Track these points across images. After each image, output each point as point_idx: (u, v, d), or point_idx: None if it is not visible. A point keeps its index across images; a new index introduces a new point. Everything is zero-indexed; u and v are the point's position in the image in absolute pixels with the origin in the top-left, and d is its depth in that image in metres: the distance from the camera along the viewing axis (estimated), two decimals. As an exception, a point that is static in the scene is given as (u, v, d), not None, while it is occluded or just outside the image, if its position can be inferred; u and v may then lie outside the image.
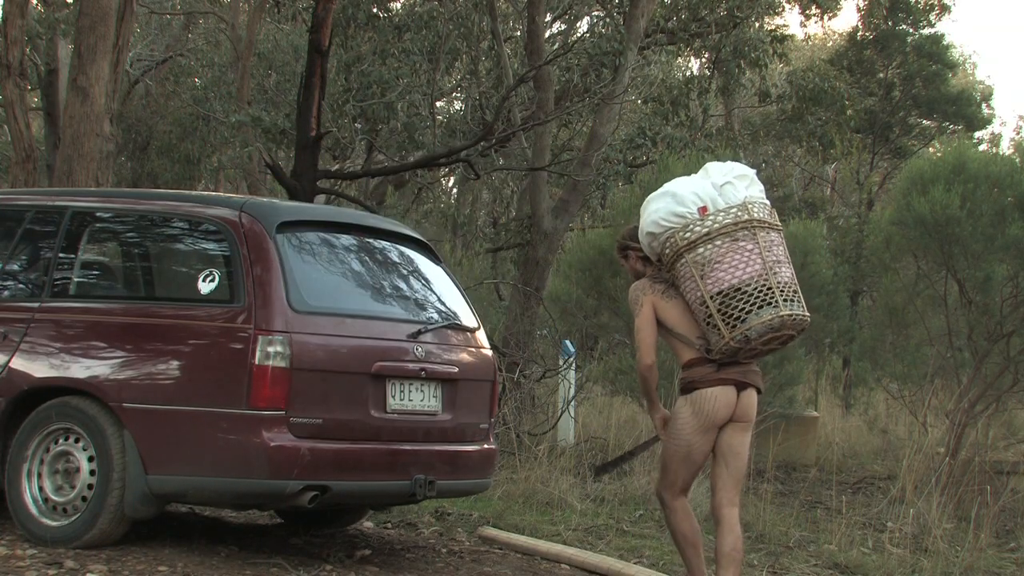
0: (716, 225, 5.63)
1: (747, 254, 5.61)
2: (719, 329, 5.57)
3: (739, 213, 5.66)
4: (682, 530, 5.79)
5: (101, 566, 5.47)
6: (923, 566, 7.75)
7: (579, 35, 20.31)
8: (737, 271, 5.58)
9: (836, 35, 31.71)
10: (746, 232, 5.64)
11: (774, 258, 5.66)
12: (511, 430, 10.26)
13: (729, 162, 6.00)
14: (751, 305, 5.55)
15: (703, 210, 5.65)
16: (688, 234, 5.63)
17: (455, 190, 27.88)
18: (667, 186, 5.86)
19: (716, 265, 5.59)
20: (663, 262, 5.77)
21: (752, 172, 5.92)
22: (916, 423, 11.34)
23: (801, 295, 5.76)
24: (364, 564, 6.23)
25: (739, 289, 5.56)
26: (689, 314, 5.70)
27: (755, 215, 5.67)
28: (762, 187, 5.90)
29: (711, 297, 5.56)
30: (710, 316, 5.58)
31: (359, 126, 15.89)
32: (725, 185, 5.75)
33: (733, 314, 5.55)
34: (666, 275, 5.79)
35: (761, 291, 5.57)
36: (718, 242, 5.61)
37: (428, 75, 17.10)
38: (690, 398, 5.68)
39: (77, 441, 5.87)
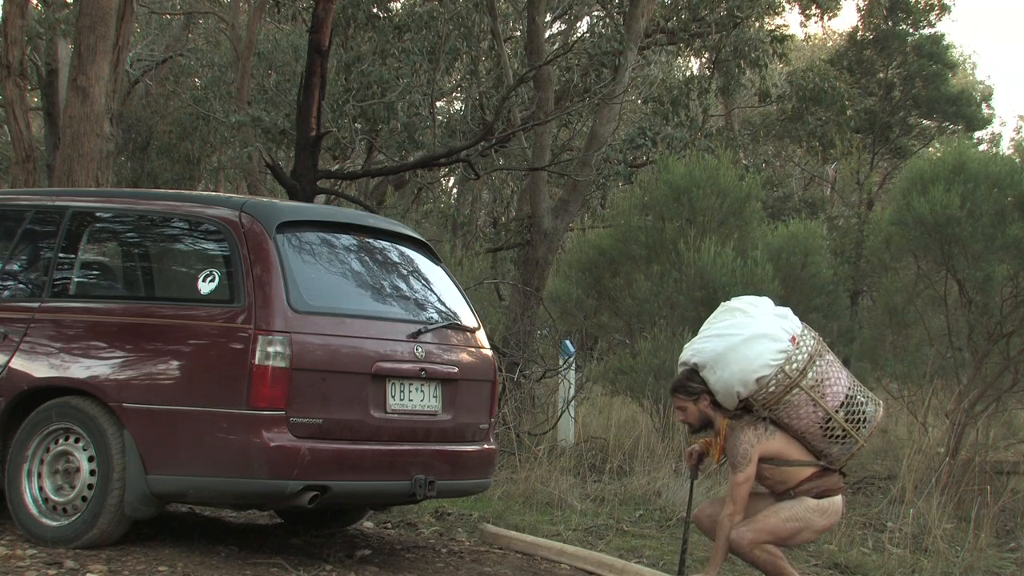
0: (809, 348, 5.87)
1: (835, 366, 5.94)
2: (851, 438, 5.85)
3: (808, 334, 5.97)
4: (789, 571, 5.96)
5: (101, 566, 5.46)
6: (923, 566, 7.75)
7: (579, 35, 20.32)
8: (840, 382, 5.88)
9: (836, 35, 31.71)
10: (821, 347, 5.95)
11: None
12: (511, 430, 10.26)
13: (742, 298, 6.23)
14: (862, 407, 5.87)
15: (794, 340, 5.88)
16: (795, 364, 5.80)
17: (455, 190, 27.88)
18: (743, 328, 5.90)
19: (826, 383, 5.84)
20: (761, 402, 5.82)
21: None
22: (916, 423, 11.34)
23: None
24: (364, 564, 6.23)
25: (849, 397, 5.87)
26: (793, 440, 5.88)
27: (814, 335, 6.00)
28: None
29: (836, 412, 5.81)
30: (834, 430, 5.82)
31: (359, 126, 15.89)
32: (786, 313, 6.06)
33: (858, 419, 5.86)
34: (764, 413, 5.85)
35: (859, 393, 5.92)
36: (817, 363, 5.85)
37: (428, 75, 17.10)
38: (822, 504, 5.87)
39: (77, 441, 5.87)
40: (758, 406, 5.84)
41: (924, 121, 22.91)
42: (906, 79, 21.81)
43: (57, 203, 6.52)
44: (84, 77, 9.44)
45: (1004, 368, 10.87)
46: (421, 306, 6.55)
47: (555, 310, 13.69)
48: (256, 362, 5.57)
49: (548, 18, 19.76)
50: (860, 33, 22.57)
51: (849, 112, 20.09)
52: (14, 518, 5.95)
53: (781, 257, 12.47)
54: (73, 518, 5.81)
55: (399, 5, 18.67)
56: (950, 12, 24.53)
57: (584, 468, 9.81)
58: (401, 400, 6.07)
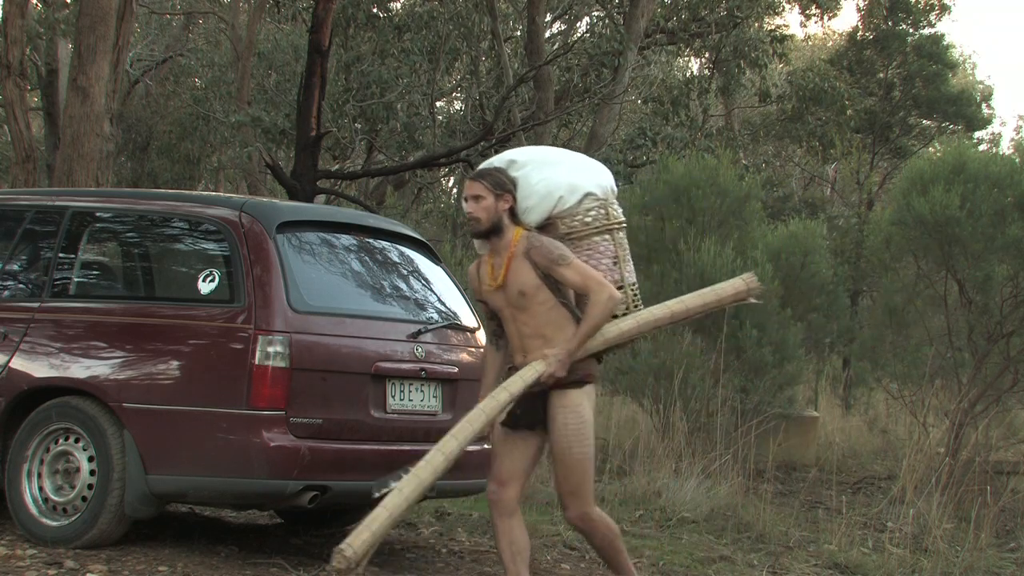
0: (623, 217, 5.40)
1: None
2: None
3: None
4: (615, 529, 5.27)
5: (101, 566, 5.46)
6: (923, 566, 7.75)
7: (579, 35, 20.32)
8: (632, 267, 5.39)
9: (836, 35, 31.71)
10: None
11: None
12: (511, 430, 10.24)
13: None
14: (639, 301, 5.35)
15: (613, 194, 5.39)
16: (615, 213, 5.28)
17: (455, 190, 27.88)
18: (585, 158, 5.47)
19: (628, 255, 5.34)
20: (568, 229, 5.21)
21: None
22: (916, 423, 11.33)
23: None
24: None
25: (636, 285, 5.39)
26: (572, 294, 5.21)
27: None
28: None
29: (630, 285, 5.30)
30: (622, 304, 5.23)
31: (359, 126, 15.90)
32: None
33: (638, 306, 5.33)
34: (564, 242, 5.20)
35: (636, 292, 5.39)
36: (625, 233, 5.38)
37: (428, 75, 17.12)
38: (587, 391, 5.18)
39: (77, 441, 5.87)
40: (560, 232, 5.19)
41: (924, 121, 22.90)
42: (906, 79, 21.80)
43: (57, 203, 6.52)
44: (84, 77, 9.45)
45: (1004, 368, 10.87)
46: (421, 306, 6.56)
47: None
48: (256, 362, 5.57)
49: (548, 18, 19.77)
50: (860, 33, 22.55)
51: (849, 112, 20.11)
52: (14, 518, 5.95)
53: (781, 257, 12.46)
54: (73, 518, 5.81)
55: (399, 5, 18.68)
56: (950, 12, 24.53)
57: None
58: (401, 400, 6.08)
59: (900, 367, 11.89)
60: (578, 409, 5.12)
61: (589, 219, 5.22)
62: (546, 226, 5.23)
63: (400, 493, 4.96)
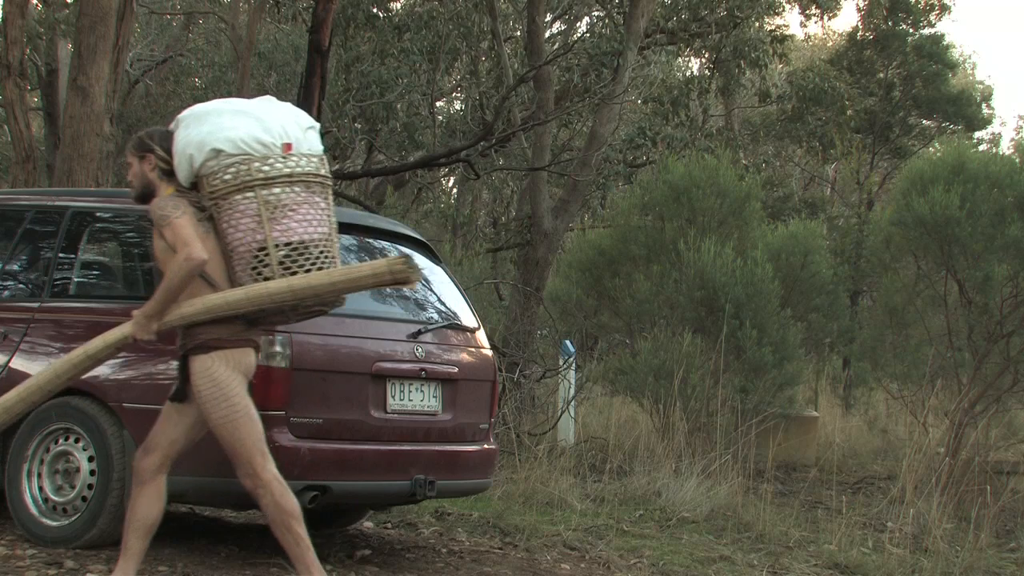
0: (299, 169, 5.08)
1: (320, 211, 5.10)
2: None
3: (319, 165, 5.17)
4: (289, 508, 5.04)
5: (101, 566, 5.46)
6: (923, 566, 7.75)
7: (579, 35, 20.31)
8: (309, 227, 5.05)
9: (836, 35, 31.72)
10: (321, 188, 5.15)
11: (335, 224, 5.21)
12: (511, 430, 10.26)
13: (291, 105, 5.40)
14: (312, 266, 5.03)
15: (288, 147, 5.08)
16: (267, 168, 5.01)
17: (455, 190, 27.88)
18: (241, 104, 5.23)
19: (290, 213, 5.02)
20: (211, 187, 5.02)
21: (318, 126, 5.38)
22: (916, 423, 11.34)
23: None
24: (364, 564, 6.23)
25: (306, 246, 5.04)
26: (218, 259, 5.01)
27: (327, 173, 5.22)
28: None
29: (276, 246, 4.99)
30: (263, 265, 4.99)
31: (359, 126, 15.89)
32: (310, 130, 5.25)
33: (293, 270, 5.00)
34: (206, 203, 5.04)
35: (324, 255, 5.08)
36: (297, 188, 5.06)
37: (428, 75, 17.12)
38: (217, 356, 4.94)
39: (77, 441, 5.87)
40: (206, 191, 5.01)
41: (924, 121, 22.93)
42: (906, 79, 21.82)
43: (57, 203, 6.52)
44: (84, 77, 9.43)
45: (1004, 368, 10.88)
46: (421, 306, 6.56)
47: (555, 310, 13.70)
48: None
49: (548, 18, 19.77)
50: (860, 33, 22.57)
51: (849, 112, 20.13)
52: (14, 518, 5.95)
53: (781, 257, 12.49)
54: (73, 518, 5.81)
55: (399, 5, 18.68)
56: (950, 12, 24.55)
57: (584, 468, 9.82)
58: (401, 400, 6.08)
59: (900, 367, 11.91)
60: (206, 374, 4.93)
61: (228, 176, 5.00)
62: (197, 186, 5.11)
63: None
